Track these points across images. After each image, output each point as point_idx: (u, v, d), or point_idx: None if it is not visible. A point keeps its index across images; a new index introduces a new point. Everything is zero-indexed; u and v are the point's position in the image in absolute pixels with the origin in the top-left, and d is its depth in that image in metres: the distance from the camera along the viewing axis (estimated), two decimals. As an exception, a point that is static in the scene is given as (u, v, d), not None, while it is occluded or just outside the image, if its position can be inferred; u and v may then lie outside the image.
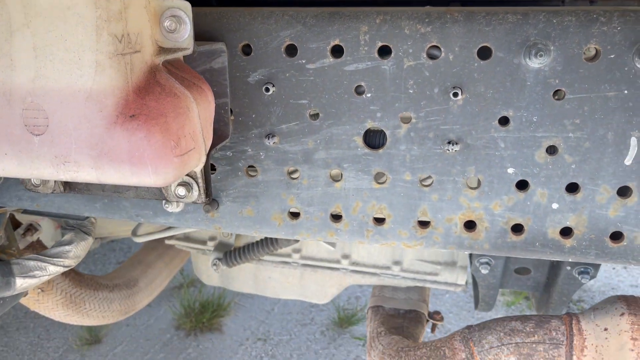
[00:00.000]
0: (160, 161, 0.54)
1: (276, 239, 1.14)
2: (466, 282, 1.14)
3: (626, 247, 0.69)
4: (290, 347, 1.87)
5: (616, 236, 0.68)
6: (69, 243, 0.94)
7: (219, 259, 1.23)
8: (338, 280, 1.33)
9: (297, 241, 1.15)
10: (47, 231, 1.29)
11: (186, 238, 1.32)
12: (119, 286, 1.35)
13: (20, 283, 0.87)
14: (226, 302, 2.06)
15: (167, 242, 1.33)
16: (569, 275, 1.10)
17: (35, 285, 0.90)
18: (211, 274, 1.40)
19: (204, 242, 1.31)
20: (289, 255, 1.27)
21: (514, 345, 0.91)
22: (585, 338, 0.87)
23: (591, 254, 0.71)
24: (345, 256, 1.25)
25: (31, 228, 1.20)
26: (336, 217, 0.74)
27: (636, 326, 0.82)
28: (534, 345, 0.90)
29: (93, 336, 1.90)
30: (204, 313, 1.96)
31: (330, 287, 1.34)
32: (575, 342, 0.87)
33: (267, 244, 1.15)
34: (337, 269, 1.26)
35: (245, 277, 1.40)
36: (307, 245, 1.25)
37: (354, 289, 2.21)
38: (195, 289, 2.16)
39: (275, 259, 1.27)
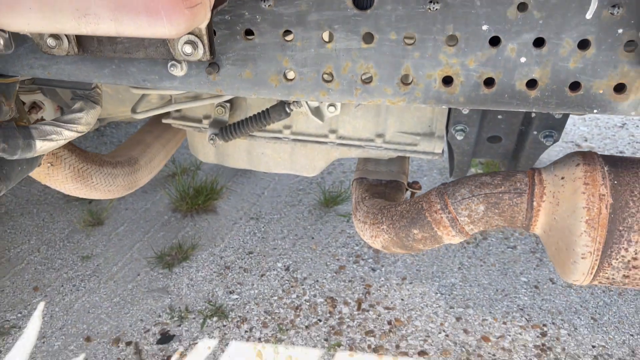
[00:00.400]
0: (173, 12, 0.60)
1: (268, 113, 1.21)
2: (443, 151, 1.24)
3: (582, 96, 0.78)
4: (281, 224, 2.00)
5: (574, 86, 0.77)
6: (80, 110, 1.00)
7: (216, 135, 1.31)
8: (326, 154, 1.42)
9: (288, 115, 1.22)
10: (48, 112, 1.34)
11: (182, 117, 1.38)
12: (121, 163, 1.43)
13: (40, 145, 0.94)
14: (219, 187, 2.16)
15: (164, 121, 1.40)
16: (535, 140, 1.20)
17: (52, 148, 0.98)
18: (207, 151, 1.47)
19: (199, 121, 1.37)
20: (280, 132, 1.35)
21: (483, 195, 1.02)
22: (545, 186, 0.98)
23: (552, 103, 0.80)
24: (333, 131, 1.33)
25: (35, 106, 1.25)
26: (328, 77, 0.81)
27: (589, 173, 0.93)
28: (500, 195, 1.01)
29: (95, 218, 2.00)
30: (199, 197, 2.07)
31: (319, 161, 1.43)
32: (536, 190, 0.99)
33: (260, 118, 1.22)
34: (325, 142, 1.34)
35: (239, 154, 1.48)
36: (297, 121, 1.33)
37: (338, 174, 2.33)
38: (188, 177, 2.25)
39: (268, 135, 1.34)
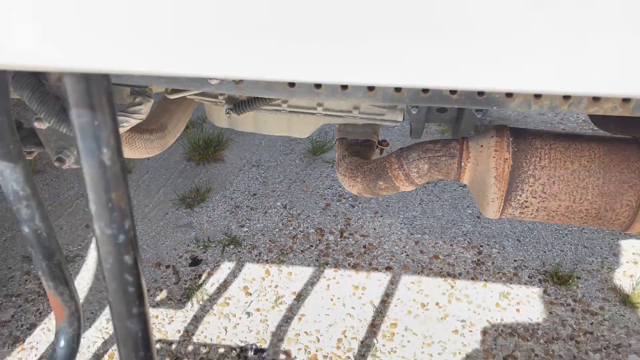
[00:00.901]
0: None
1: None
2: (403, 118, 1.64)
3: (486, 99, 1.18)
4: (277, 170, 2.42)
5: (481, 93, 1.17)
6: (140, 104, 1.38)
7: (231, 109, 1.70)
8: (315, 121, 1.82)
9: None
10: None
11: (202, 94, 1.76)
12: (155, 130, 1.82)
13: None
14: (224, 139, 2.55)
15: (187, 95, 1.78)
16: (470, 112, 1.61)
17: (123, 131, 1.36)
18: (222, 118, 1.86)
19: (216, 97, 1.75)
20: (279, 105, 1.74)
21: (427, 158, 1.44)
22: (470, 152, 1.40)
23: (467, 102, 1.20)
24: (320, 104, 1.73)
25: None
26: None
27: (499, 143, 1.35)
28: (439, 157, 1.43)
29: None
30: (208, 148, 2.47)
31: (309, 126, 1.83)
32: (464, 154, 1.40)
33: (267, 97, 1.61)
34: (314, 113, 1.74)
35: (247, 121, 1.88)
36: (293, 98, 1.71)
37: (323, 127, 2.72)
38: (197, 130, 2.63)
39: (270, 108, 1.73)
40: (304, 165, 2.45)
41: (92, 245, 2.00)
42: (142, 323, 0.59)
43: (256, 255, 1.96)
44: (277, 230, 2.09)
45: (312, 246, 2.01)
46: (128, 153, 1.78)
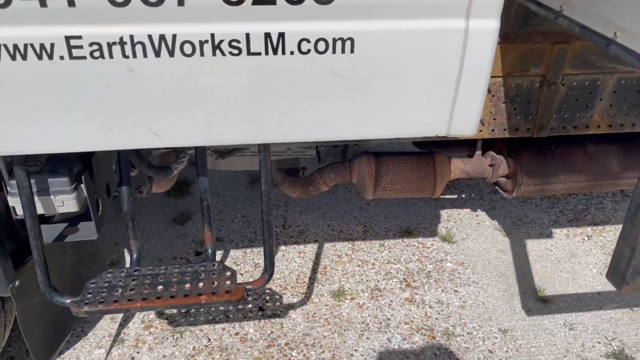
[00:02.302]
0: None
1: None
2: (314, 152, 2.97)
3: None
4: (232, 195, 3.63)
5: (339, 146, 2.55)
6: (183, 158, 2.55)
7: (218, 157, 2.91)
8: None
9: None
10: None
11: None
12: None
13: (174, 172, 2.51)
14: (188, 178, 3.72)
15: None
16: (351, 146, 2.99)
17: (177, 172, 2.54)
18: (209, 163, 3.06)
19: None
20: (245, 151, 2.99)
21: (334, 171, 2.77)
22: (354, 165, 2.76)
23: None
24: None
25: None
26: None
27: (367, 160, 2.72)
28: (339, 170, 2.78)
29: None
30: (181, 185, 3.61)
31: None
32: (353, 168, 2.76)
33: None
34: (265, 154, 3.01)
35: (223, 163, 3.10)
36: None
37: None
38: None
39: (241, 153, 2.98)
40: (250, 189, 3.69)
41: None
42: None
43: (236, 244, 3.16)
44: (242, 230, 3.31)
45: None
46: (160, 189, 2.90)
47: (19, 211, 1.79)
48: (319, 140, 1.74)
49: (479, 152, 2.87)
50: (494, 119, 2.51)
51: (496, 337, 2.59)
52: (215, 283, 1.88)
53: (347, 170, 2.78)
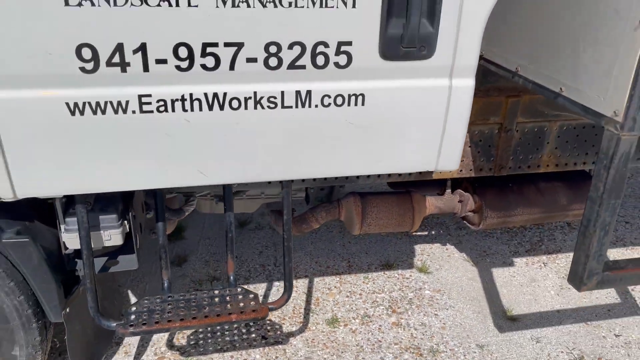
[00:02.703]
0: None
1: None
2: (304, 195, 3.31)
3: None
4: (224, 238, 3.90)
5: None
6: (193, 201, 2.83)
7: (218, 200, 3.21)
8: (260, 202, 3.41)
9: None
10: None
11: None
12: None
13: (185, 214, 2.79)
14: (181, 224, 3.97)
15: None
16: (337, 188, 3.35)
17: (187, 213, 2.82)
18: (205, 206, 3.36)
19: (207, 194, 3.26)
20: (242, 195, 3.31)
21: (324, 210, 3.12)
22: (342, 205, 3.12)
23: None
24: (263, 192, 3.34)
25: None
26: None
27: (354, 199, 3.09)
28: (329, 209, 3.12)
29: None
30: (177, 230, 3.86)
31: (256, 204, 3.42)
32: (341, 206, 3.12)
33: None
34: (260, 197, 3.34)
35: (220, 206, 3.39)
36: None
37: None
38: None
39: (238, 197, 3.29)
40: (238, 233, 3.97)
41: (131, 294, 3.25)
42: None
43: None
44: (237, 269, 3.57)
45: (259, 274, 3.52)
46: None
47: (70, 246, 2.04)
48: (335, 176, 2.09)
49: (449, 191, 3.29)
50: (462, 161, 2.94)
51: (475, 352, 2.93)
52: (242, 304, 2.16)
53: (336, 209, 3.12)
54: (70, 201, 2.04)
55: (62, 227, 2.02)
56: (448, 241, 3.98)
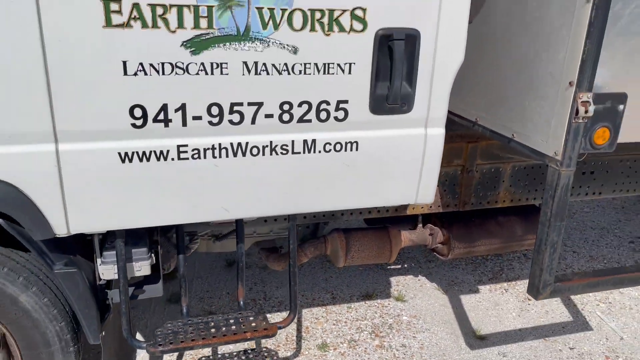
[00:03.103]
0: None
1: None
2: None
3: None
4: (215, 275, 4.18)
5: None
6: (198, 240, 3.14)
7: (217, 240, 3.53)
8: (251, 240, 3.75)
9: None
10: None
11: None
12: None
13: (191, 251, 3.10)
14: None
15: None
16: (321, 225, 3.72)
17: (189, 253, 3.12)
18: (203, 246, 3.67)
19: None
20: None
21: (312, 246, 3.48)
22: (329, 241, 3.49)
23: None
24: (254, 231, 3.68)
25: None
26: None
27: (338, 235, 3.46)
28: (317, 244, 3.48)
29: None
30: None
31: (248, 243, 3.75)
32: (327, 242, 3.49)
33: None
34: (252, 236, 3.68)
35: (216, 245, 3.71)
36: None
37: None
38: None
39: (233, 237, 3.62)
40: (227, 271, 4.26)
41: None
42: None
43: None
44: (230, 304, 3.84)
45: (251, 307, 3.81)
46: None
47: (105, 276, 2.34)
48: (331, 210, 2.47)
49: (420, 225, 3.71)
50: (427, 201, 3.37)
51: (451, 368, 3.30)
52: (254, 324, 2.48)
53: (322, 244, 3.49)
54: (105, 237, 2.35)
55: (99, 259, 2.32)
56: (420, 273, 4.38)
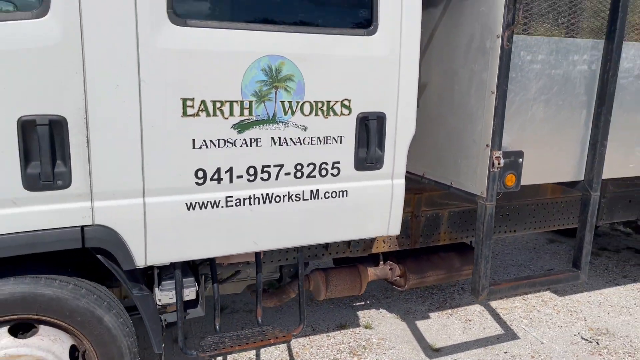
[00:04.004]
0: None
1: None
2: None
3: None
4: (226, 314, 4.81)
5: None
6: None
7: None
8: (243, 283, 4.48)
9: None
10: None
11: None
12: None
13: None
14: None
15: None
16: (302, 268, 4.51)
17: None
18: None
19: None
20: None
21: (295, 284, 4.27)
22: (311, 278, 4.28)
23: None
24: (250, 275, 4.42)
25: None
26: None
27: (319, 273, 4.27)
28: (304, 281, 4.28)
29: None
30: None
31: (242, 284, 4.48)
32: (309, 279, 4.29)
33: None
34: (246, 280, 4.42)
35: (230, 287, 4.40)
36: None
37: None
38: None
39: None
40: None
41: None
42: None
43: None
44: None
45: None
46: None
47: (162, 301, 3.04)
48: (325, 242, 3.33)
49: (382, 262, 4.60)
50: (389, 239, 4.29)
51: (416, 373, 4.10)
52: (274, 333, 3.22)
53: (306, 282, 4.27)
54: (161, 269, 3.07)
55: (158, 288, 3.02)
56: (380, 307, 5.22)
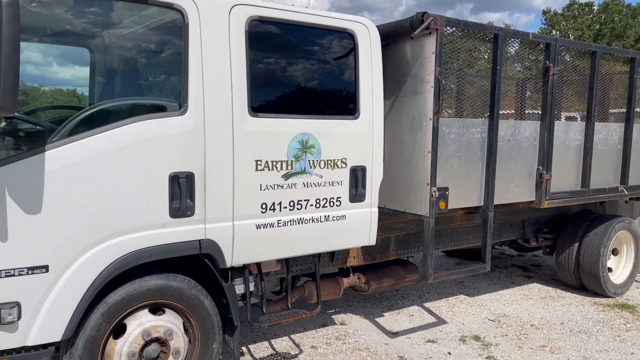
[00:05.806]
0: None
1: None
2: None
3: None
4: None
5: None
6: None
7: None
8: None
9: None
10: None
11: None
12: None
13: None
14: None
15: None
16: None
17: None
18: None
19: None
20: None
21: (297, 290, 5.89)
22: (305, 287, 5.94)
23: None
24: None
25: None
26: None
27: (311, 284, 5.93)
28: (299, 289, 5.92)
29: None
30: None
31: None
32: (304, 288, 5.93)
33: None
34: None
35: None
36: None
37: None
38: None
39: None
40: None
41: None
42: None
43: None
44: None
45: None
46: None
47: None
48: (333, 249, 5.07)
49: (351, 274, 6.35)
50: (357, 255, 6.10)
51: (384, 346, 5.83)
52: (303, 312, 4.86)
53: (302, 289, 5.89)
54: (231, 271, 4.63)
55: (233, 282, 4.57)
56: (347, 312, 6.92)
